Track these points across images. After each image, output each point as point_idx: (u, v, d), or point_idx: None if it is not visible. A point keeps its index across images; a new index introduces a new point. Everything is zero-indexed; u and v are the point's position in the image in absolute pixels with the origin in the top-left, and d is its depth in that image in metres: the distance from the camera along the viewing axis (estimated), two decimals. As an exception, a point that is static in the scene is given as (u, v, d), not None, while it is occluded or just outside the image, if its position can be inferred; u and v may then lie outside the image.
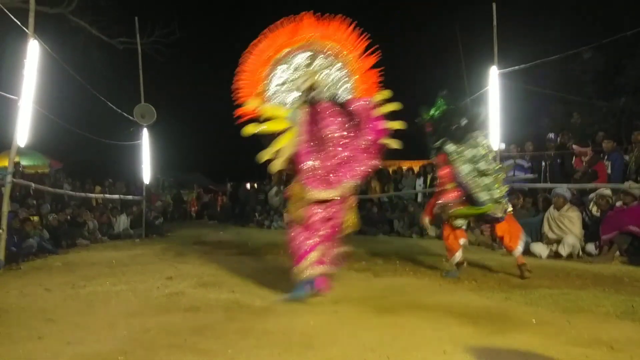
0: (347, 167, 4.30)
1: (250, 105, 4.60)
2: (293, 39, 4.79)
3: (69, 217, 10.13)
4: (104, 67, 16.73)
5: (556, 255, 6.99)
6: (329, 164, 4.26)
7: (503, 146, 9.34)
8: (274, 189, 15.28)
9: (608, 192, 7.28)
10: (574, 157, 8.74)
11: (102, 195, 13.22)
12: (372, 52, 4.96)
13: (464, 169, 5.14)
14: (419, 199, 12.32)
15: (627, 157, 8.18)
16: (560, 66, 12.49)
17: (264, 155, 4.38)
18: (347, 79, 4.98)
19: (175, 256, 7.67)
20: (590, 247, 6.93)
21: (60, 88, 11.83)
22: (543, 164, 9.26)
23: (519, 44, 12.19)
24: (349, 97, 4.83)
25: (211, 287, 4.91)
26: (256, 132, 4.43)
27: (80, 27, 15.82)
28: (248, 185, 19.21)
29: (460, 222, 5.46)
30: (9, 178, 6.62)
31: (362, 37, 4.91)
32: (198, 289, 4.78)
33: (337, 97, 4.72)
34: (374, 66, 5.02)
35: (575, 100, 11.82)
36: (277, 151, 4.35)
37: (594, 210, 7.39)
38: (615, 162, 8.08)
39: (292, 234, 4.33)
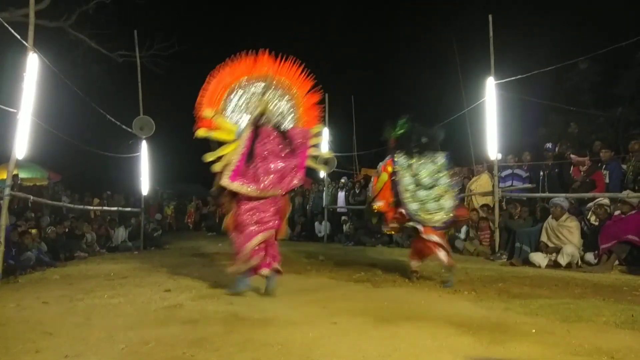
0: (276, 178, 5.10)
1: (207, 114, 5.28)
2: (251, 70, 5.54)
3: (67, 230, 10.11)
4: (103, 80, 16.83)
5: (555, 264, 6.99)
6: (259, 172, 5.05)
7: (500, 156, 9.37)
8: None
9: (606, 201, 7.29)
10: (572, 167, 8.77)
11: (100, 207, 13.21)
12: (315, 91, 5.80)
13: (405, 180, 5.89)
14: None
15: (624, 167, 8.21)
16: (557, 76, 12.59)
17: (208, 157, 5.17)
18: (292, 110, 5.72)
19: (174, 268, 7.64)
20: (589, 257, 6.92)
21: (60, 101, 11.86)
22: (541, 173, 9.28)
23: (515, 55, 12.29)
24: (291, 126, 5.60)
25: (210, 299, 4.89)
26: (206, 136, 5.24)
27: (79, 41, 15.94)
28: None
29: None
30: (7, 191, 6.62)
31: (309, 77, 5.72)
32: (196, 301, 4.76)
33: (281, 125, 5.47)
34: (317, 103, 5.85)
35: (573, 110, 11.87)
36: (220, 157, 5.13)
37: (593, 219, 7.40)
38: (613, 172, 8.10)
39: (231, 237, 5.14)
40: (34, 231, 8.47)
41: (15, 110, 6.71)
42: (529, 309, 4.21)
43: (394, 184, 5.95)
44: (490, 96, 8.76)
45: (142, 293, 5.25)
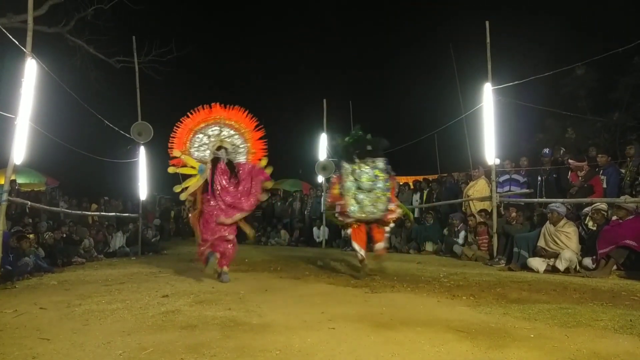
0: (235, 206, 6.62)
1: (175, 154, 6.94)
2: (208, 117, 7.06)
3: (64, 235, 10.08)
4: (102, 86, 16.83)
5: (554, 269, 7.00)
6: (222, 202, 6.58)
7: (498, 161, 9.40)
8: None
9: (604, 206, 7.31)
10: (569, 172, 8.79)
11: (98, 213, 13.18)
12: (259, 128, 7.24)
13: (348, 183, 6.84)
14: (416, 214, 12.32)
15: (623, 171, 8.22)
16: (554, 82, 12.63)
17: (177, 188, 6.92)
18: (243, 144, 7.18)
19: (172, 274, 7.64)
20: (588, 262, 6.92)
21: (58, 106, 11.87)
22: (539, 178, 9.30)
23: (512, 61, 12.35)
24: (242, 159, 7.11)
25: (208, 304, 4.88)
26: (176, 171, 6.95)
27: (77, 46, 15.95)
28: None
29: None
30: (4, 196, 6.60)
31: (254, 119, 7.19)
32: (194, 307, 4.75)
33: (233, 159, 6.98)
34: (261, 138, 7.28)
35: (570, 116, 11.91)
36: (186, 187, 6.81)
37: (590, 224, 7.42)
38: (610, 177, 8.13)
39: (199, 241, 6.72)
40: (31, 236, 8.44)
41: (13, 116, 6.71)
42: (528, 314, 4.21)
43: (340, 186, 6.98)
44: (488, 102, 8.79)
45: (139, 299, 5.24)
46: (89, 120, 12.24)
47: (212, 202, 6.57)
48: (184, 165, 6.90)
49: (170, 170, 6.93)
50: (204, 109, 7.05)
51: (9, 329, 3.90)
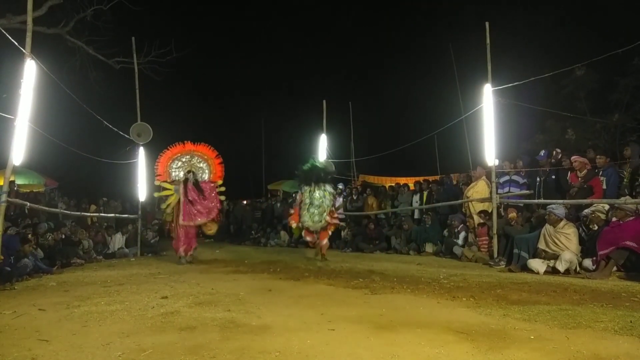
0: (200, 213, 9.55)
1: (158, 180, 9.79)
2: (183, 149, 10.04)
3: (63, 236, 10.07)
4: (101, 87, 16.81)
5: (554, 271, 6.98)
6: (192, 211, 9.46)
7: (497, 162, 9.39)
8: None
9: (604, 207, 7.30)
10: (569, 173, 8.78)
11: (97, 214, 13.16)
12: (218, 156, 10.16)
13: (305, 200, 9.18)
14: (416, 215, 12.31)
15: (624, 173, 8.20)
16: (554, 83, 12.63)
17: (163, 206, 9.80)
18: (206, 170, 10.06)
19: (171, 275, 7.63)
20: (588, 263, 6.91)
21: (57, 107, 11.86)
22: (537, 179, 9.29)
23: (512, 62, 12.35)
24: (206, 178, 9.98)
25: (207, 306, 4.87)
26: (159, 195, 10.04)
27: (77, 47, 15.93)
28: (245, 202, 19.17)
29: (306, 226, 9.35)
30: (3, 197, 6.60)
31: (216, 152, 10.16)
32: (194, 308, 4.74)
33: (199, 179, 9.80)
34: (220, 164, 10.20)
35: (569, 117, 11.91)
36: (167, 205, 9.69)
37: (591, 225, 7.40)
38: (610, 178, 8.11)
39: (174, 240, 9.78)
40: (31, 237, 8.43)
41: (12, 117, 6.70)
42: (528, 315, 4.20)
43: (298, 203, 9.53)
44: (488, 102, 8.78)
45: (139, 300, 5.23)
46: (88, 121, 12.24)
47: (184, 212, 9.48)
48: (165, 189, 9.78)
49: (155, 194, 10.63)
50: (178, 144, 10.06)
51: (8, 330, 3.89)
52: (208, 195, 9.65)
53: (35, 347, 3.38)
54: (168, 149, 9.89)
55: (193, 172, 9.69)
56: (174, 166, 9.88)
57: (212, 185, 9.86)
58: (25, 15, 7.40)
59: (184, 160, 9.90)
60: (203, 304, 4.95)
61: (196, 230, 9.84)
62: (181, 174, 9.78)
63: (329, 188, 9.26)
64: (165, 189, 9.71)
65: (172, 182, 9.72)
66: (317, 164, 9.50)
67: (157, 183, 9.72)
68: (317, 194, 9.08)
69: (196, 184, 9.59)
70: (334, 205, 9.63)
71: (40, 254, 8.39)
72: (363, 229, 12.69)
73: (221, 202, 10.14)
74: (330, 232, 9.67)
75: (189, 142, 9.99)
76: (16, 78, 6.91)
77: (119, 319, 4.27)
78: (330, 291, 5.84)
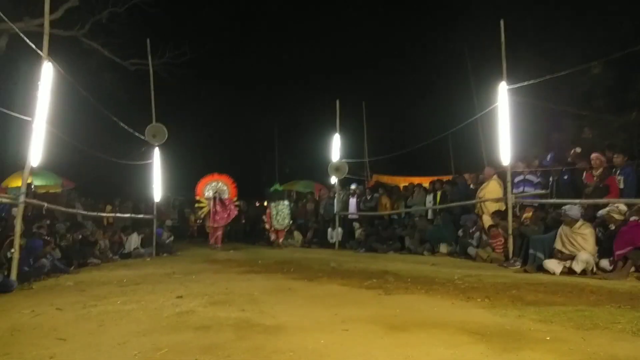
0: (222, 219, 14.23)
1: (198, 197, 14.61)
2: (212, 178, 14.57)
3: (81, 237, 10.19)
4: (116, 88, 17.01)
5: (570, 271, 6.89)
6: (217, 218, 14.10)
7: (512, 161, 9.28)
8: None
9: (622, 207, 7.19)
10: (584, 173, 8.68)
11: (113, 214, 13.30)
12: (234, 182, 14.71)
13: (272, 211, 14.09)
14: (429, 215, 12.24)
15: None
16: (570, 81, 12.47)
17: (200, 213, 15.40)
18: (227, 191, 14.43)
19: (186, 275, 7.68)
20: (605, 263, 6.81)
21: (73, 109, 12.02)
22: (550, 179, 9.20)
23: (528, 60, 12.22)
24: (225, 196, 14.35)
25: (221, 305, 4.90)
26: (198, 206, 15.13)
27: (93, 49, 16.14)
28: (257, 203, 19.23)
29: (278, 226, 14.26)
30: (22, 198, 6.70)
31: (232, 179, 14.67)
32: (208, 308, 4.77)
33: (223, 197, 14.27)
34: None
35: (586, 115, 11.76)
36: (202, 212, 14.90)
37: (608, 225, 7.30)
38: (627, 177, 8.00)
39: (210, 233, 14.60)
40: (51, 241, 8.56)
41: (29, 119, 6.80)
42: (543, 316, 4.16)
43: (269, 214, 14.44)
44: (503, 101, 8.71)
45: (154, 299, 5.28)
46: (104, 123, 12.39)
47: (212, 218, 14.13)
48: (201, 202, 14.56)
49: (197, 198, 14.74)
50: (210, 174, 14.67)
51: (27, 329, 3.96)
52: (227, 208, 14.22)
53: (53, 346, 3.43)
54: (204, 177, 14.63)
55: (219, 193, 14.19)
56: (206, 189, 14.32)
57: (231, 200, 14.47)
58: (42, 18, 7.50)
59: (213, 185, 14.34)
60: (218, 304, 4.98)
61: (222, 229, 14.55)
62: (211, 194, 14.20)
63: (285, 202, 14.45)
64: (201, 202, 14.55)
65: (207, 199, 14.24)
66: (278, 188, 15.58)
67: (197, 198, 14.59)
68: (280, 206, 14.03)
69: (221, 200, 14.14)
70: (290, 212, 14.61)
71: (57, 254, 8.51)
72: (376, 229, 12.67)
73: (237, 208, 15.13)
74: (285, 232, 14.47)
75: (216, 173, 14.70)
76: (33, 80, 7.01)
77: (134, 319, 4.32)
78: (343, 291, 5.84)
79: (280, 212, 13.83)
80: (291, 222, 14.44)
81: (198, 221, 18.09)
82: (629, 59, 9.44)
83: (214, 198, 13.97)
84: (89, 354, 3.24)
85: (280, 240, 14.13)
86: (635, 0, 12.83)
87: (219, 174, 14.49)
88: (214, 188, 14.20)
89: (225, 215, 14.18)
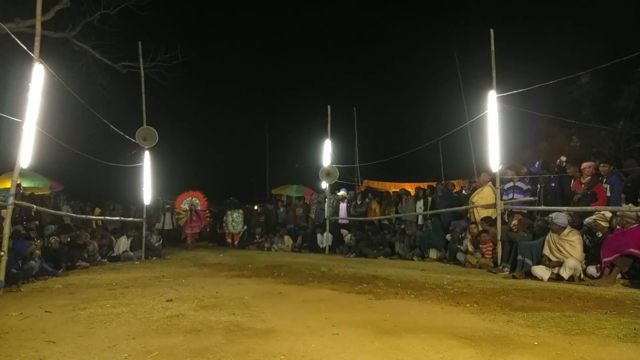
0: (196, 226, 16.94)
1: (177, 209, 16.99)
2: (187, 194, 17.00)
3: (69, 239, 10.11)
4: (107, 91, 16.92)
5: (558, 277, 6.97)
6: (192, 225, 16.66)
7: (501, 168, 9.38)
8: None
9: (608, 214, 7.29)
10: (572, 180, 8.78)
11: (102, 217, 13.22)
12: (205, 197, 17.27)
13: (228, 218, 16.90)
14: (420, 221, 12.30)
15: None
16: (559, 90, 12.63)
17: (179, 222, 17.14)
18: (199, 203, 16.85)
19: (175, 278, 7.66)
20: (592, 270, 6.90)
21: (63, 111, 11.93)
22: (538, 186, 9.30)
23: (517, 68, 12.38)
24: (199, 209, 16.87)
25: (212, 309, 4.89)
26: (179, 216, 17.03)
27: (83, 51, 16.05)
28: (247, 206, 19.19)
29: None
30: (10, 200, 6.64)
31: (204, 194, 17.28)
32: (199, 311, 4.77)
33: (197, 209, 16.78)
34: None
35: (574, 124, 11.91)
36: (182, 221, 16.86)
37: (595, 232, 7.39)
38: (614, 185, 8.11)
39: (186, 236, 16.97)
40: (38, 241, 8.49)
41: (20, 120, 6.75)
42: (531, 321, 4.21)
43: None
44: (492, 109, 8.80)
45: (144, 303, 5.26)
46: (94, 125, 12.32)
47: (189, 225, 16.42)
48: (180, 214, 16.68)
49: (176, 210, 16.94)
50: (185, 192, 17.06)
51: (15, 332, 3.93)
52: (201, 217, 16.82)
53: (43, 348, 3.41)
54: (180, 195, 17.06)
55: (194, 205, 16.68)
56: (183, 203, 16.77)
57: (203, 211, 16.99)
58: (33, 19, 7.47)
59: (188, 199, 16.81)
60: (208, 307, 4.97)
61: (194, 235, 17.02)
62: (187, 207, 16.66)
63: (240, 211, 17.01)
64: (180, 214, 16.80)
65: (184, 211, 16.59)
66: (234, 200, 17.49)
67: (177, 211, 16.88)
68: (234, 214, 16.74)
69: (196, 211, 16.64)
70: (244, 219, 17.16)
71: (37, 255, 8.40)
72: (366, 234, 12.70)
73: (208, 218, 17.59)
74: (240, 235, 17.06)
75: (190, 190, 17.20)
76: (24, 81, 6.96)
77: (124, 322, 4.31)
78: (334, 296, 5.86)
79: (234, 219, 16.57)
80: (245, 227, 16.94)
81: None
82: (617, 69, 9.59)
83: (190, 210, 16.73)
84: (79, 357, 3.23)
85: (236, 242, 16.96)
86: (623, 12, 13.05)
87: (193, 191, 17.26)
88: (189, 202, 16.81)
89: (199, 224, 17.06)
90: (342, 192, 14.81)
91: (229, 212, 16.78)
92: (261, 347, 3.43)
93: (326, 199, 14.19)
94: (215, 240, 18.59)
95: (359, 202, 14.17)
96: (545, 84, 8.45)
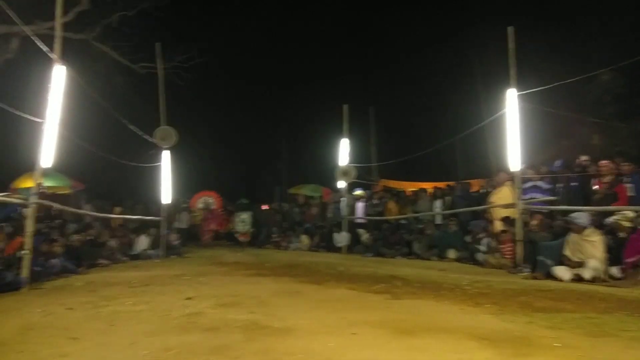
0: (212, 224, 17.93)
1: (192, 208, 18.02)
2: (203, 194, 18.36)
3: (90, 238, 10.26)
4: (126, 91, 17.11)
5: (579, 278, 6.86)
6: (208, 222, 17.89)
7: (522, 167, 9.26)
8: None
9: (630, 214, 7.15)
10: (593, 180, 8.64)
11: (123, 216, 13.38)
12: (220, 196, 18.67)
13: (237, 218, 16.15)
14: (437, 220, 12.22)
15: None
16: (580, 88, 12.44)
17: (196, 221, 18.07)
18: (214, 202, 18.18)
19: (195, 277, 7.71)
20: (614, 271, 6.78)
21: (84, 111, 12.08)
22: (557, 186, 9.16)
23: (536, 66, 12.20)
24: (213, 207, 18.16)
25: (230, 307, 4.92)
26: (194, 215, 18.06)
27: (103, 53, 16.25)
28: (266, 207, 19.26)
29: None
30: (32, 199, 6.76)
31: (219, 194, 18.70)
32: (217, 309, 4.80)
33: (211, 207, 18.14)
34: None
35: (595, 122, 11.72)
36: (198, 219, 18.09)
37: (618, 232, 7.26)
38: (637, 184, 7.96)
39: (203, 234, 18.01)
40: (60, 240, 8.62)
41: (41, 121, 6.87)
42: (552, 322, 4.15)
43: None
44: (511, 108, 8.69)
45: (164, 301, 5.31)
46: (114, 125, 12.46)
47: (206, 221, 17.61)
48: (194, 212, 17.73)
49: (191, 209, 17.87)
50: (200, 192, 18.33)
51: (39, 328, 4.00)
52: (215, 215, 17.89)
53: (65, 345, 3.47)
54: (196, 194, 18.31)
55: (208, 204, 17.93)
56: (198, 202, 18.01)
57: (218, 209, 18.09)
58: (53, 21, 7.57)
59: (203, 199, 18.07)
60: (226, 306, 5.00)
61: (211, 232, 17.96)
62: (202, 205, 17.96)
63: (249, 212, 16.64)
64: (195, 212, 17.84)
65: (199, 209, 17.83)
66: (244, 202, 17.48)
67: (192, 209, 17.79)
68: (243, 215, 16.32)
69: (210, 210, 17.86)
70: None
71: (59, 251, 8.52)
72: (384, 233, 12.65)
73: (225, 217, 18.10)
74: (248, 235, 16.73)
75: (205, 190, 18.55)
76: (45, 83, 7.08)
77: (144, 319, 4.36)
78: (351, 295, 5.85)
79: (244, 220, 16.69)
80: (253, 229, 17.27)
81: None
82: (639, 66, 9.40)
83: (205, 209, 18.07)
84: (100, 353, 3.28)
85: (245, 241, 17.75)
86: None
87: (208, 191, 18.63)
88: (204, 202, 18.17)
89: (214, 223, 18.12)
90: (358, 192, 14.77)
91: (238, 214, 17.37)
92: (280, 346, 3.45)
93: (342, 199, 14.17)
94: (233, 239, 18.41)
95: (376, 202, 14.12)
96: (566, 82, 8.32)
